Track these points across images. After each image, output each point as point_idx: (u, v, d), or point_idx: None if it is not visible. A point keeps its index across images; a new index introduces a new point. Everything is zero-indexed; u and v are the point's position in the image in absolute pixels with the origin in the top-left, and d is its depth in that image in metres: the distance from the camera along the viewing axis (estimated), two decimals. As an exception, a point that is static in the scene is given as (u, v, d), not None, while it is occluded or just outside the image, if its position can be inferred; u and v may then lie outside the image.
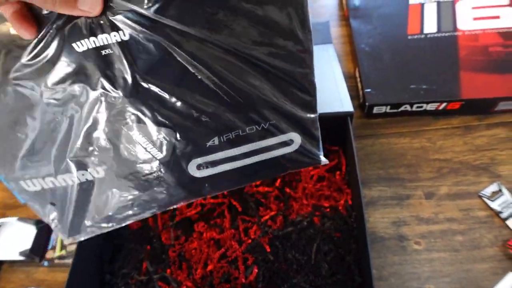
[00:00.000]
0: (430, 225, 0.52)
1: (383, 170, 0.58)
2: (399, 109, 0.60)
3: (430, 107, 0.59)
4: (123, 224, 0.41)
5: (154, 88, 0.32)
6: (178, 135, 0.36)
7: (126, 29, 0.29)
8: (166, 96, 0.33)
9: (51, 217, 0.41)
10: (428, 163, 0.57)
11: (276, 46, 0.31)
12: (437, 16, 0.68)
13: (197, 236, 0.54)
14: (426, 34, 0.66)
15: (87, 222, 0.41)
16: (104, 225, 0.41)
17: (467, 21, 0.66)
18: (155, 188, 0.39)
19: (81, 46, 0.30)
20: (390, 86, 0.61)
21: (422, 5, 0.70)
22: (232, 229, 0.52)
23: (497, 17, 0.65)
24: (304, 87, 0.34)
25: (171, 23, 0.29)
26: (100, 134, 0.35)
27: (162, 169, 0.37)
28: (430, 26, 0.67)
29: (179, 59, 0.31)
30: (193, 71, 0.32)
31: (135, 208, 0.40)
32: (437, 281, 0.48)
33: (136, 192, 0.39)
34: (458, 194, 0.54)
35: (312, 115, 0.37)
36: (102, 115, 0.34)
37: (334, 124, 0.51)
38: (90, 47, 0.30)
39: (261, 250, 0.49)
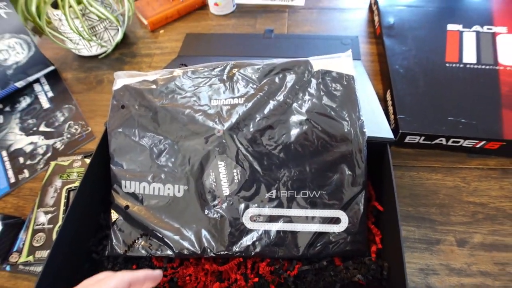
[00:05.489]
0: (461, 277, 0.46)
1: (413, 207, 0.51)
2: (433, 141, 0.55)
3: (467, 143, 0.54)
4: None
5: (245, 131, 0.45)
6: (247, 176, 0.44)
7: None
8: (250, 139, 0.45)
9: None
10: (461, 206, 0.51)
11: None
12: (476, 46, 0.63)
13: (194, 261, 0.46)
14: (465, 64, 0.61)
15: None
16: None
17: (509, 56, 0.61)
18: (209, 228, 0.44)
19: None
20: (425, 115, 0.55)
21: (460, 33, 0.65)
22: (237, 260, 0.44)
23: (541, 56, 0.61)
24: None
25: None
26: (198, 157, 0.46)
27: (223, 206, 0.44)
28: (470, 56, 0.62)
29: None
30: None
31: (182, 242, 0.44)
32: None
33: (193, 226, 0.44)
34: (494, 245, 0.48)
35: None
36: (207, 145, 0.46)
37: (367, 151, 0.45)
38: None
39: (270, 289, 0.42)
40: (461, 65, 0.61)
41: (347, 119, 0.44)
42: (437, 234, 0.49)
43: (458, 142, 0.54)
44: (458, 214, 0.51)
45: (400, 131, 0.54)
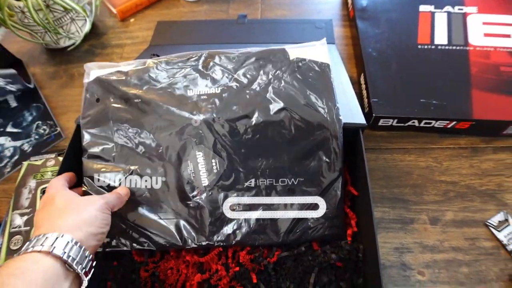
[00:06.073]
0: (434, 253, 0.48)
1: (387, 189, 0.53)
2: (406, 124, 0.56)
3: (439, 124, 0.55)
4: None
5: (222, 121, 0.44)
6: (226, 165, 0.44)
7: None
8: (228, 129, 0.44)
9: None
10: (434, 185, 0.53)
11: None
12: (447, 27, 0.64)
13: (174, 254, 0.46)
14: (436, 45, 0.62)
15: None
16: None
17: (478, 36, 0.62)
18: (188, 219, 0.45)
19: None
20: (398, 97, 0.56)
21: (432, 14, 0.66)
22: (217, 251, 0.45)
23: (508, 35, 0.62)
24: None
25: None
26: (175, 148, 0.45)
27: (203, 196, 0.44)
28: (441, 37, 0.63)
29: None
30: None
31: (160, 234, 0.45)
32: (441, 317, 0.44)
33: (173, 217, 0.45)
34: (464, 221, 0.50)
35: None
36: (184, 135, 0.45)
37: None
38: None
39: (251, 278, 0.43)
40: (433, 47, 0.62)
41: (323, 106, 0.44)
42: (411, 213, 0.51)
43: (430, 123, 0.55)
44: (431, 193, 0.52)
45: (374, 114, 0.54)
